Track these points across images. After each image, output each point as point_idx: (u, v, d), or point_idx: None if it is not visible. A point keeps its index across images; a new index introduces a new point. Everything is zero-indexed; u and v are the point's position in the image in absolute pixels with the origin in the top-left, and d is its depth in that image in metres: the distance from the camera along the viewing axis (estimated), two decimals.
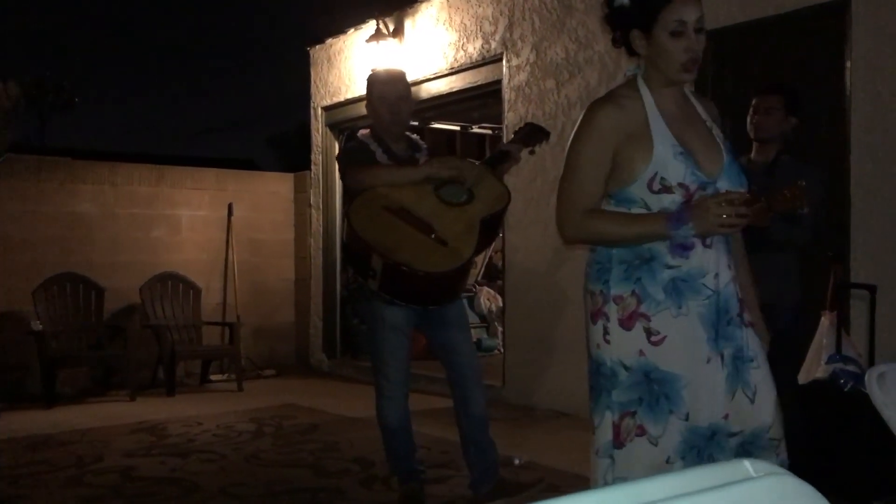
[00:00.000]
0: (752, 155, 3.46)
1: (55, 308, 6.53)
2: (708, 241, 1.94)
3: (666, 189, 1.91)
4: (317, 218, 7.91)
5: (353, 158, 3.23)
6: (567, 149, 2.04)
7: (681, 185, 1.91)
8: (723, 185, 1.93)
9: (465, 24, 6.21)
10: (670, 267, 1.93)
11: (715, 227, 1.87)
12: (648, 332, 1.93)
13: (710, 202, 1.86)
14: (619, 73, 4.96)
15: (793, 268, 3.36)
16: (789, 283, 3.36)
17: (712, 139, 2.02)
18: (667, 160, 1.91)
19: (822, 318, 3.47)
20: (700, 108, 2.08)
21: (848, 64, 3.90)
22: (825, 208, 3.45)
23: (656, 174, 1.91)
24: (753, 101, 3.44)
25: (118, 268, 7.16)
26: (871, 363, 3.32)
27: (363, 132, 3.38)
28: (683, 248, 1.93)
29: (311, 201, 7.98)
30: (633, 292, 1.94)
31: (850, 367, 3.38)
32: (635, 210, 1.96)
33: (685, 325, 1.92)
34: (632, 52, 2.02)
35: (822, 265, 3.61)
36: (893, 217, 3.75)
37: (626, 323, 1.95)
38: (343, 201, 5.32)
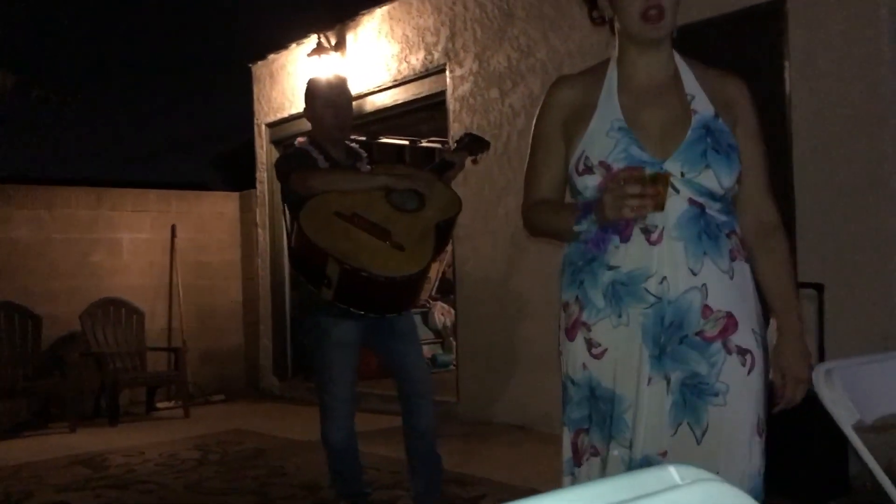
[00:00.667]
0: None
1: None
2: (653, 235, 1.62)
3: (587, 169, 1.67)
4: (263, 237, 7.74)
5: (298, 164, 3.11)
6: None
7: (602, 163, 1.65)
8: (673, 166, 1.63)
9: (407, 36, 6.13)
10: (611, 268, 1.65)
11: (616, 212, 1.56)
12: (589, 344, 1.69)
13: (611, 181, 1.59)
14: None
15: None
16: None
17: (683, 115, 1.71)
18: (596, 136, 1.68)
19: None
20: (691, 81, 1.77)
21: (787, 63, 3.90)
22: None
23: (583, 153, 1.68)
24: None
25: (57, 295, 6.91)
26: (822, 360, 3.29)
27: (300, 140, 3.27)
28: (595, 245, 1.67)
29: (258, 220, 7.81)
30: (576, 298, 1.71)
31: None
32: (578, 200, 1.74)
33: (625, 337, 1.64)
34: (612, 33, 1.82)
35: None
36: (837, 215, 3.74)
37: (570, 333, 1.72)
38: (287, 212, 5.18)
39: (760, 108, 4.12)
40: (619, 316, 1.64)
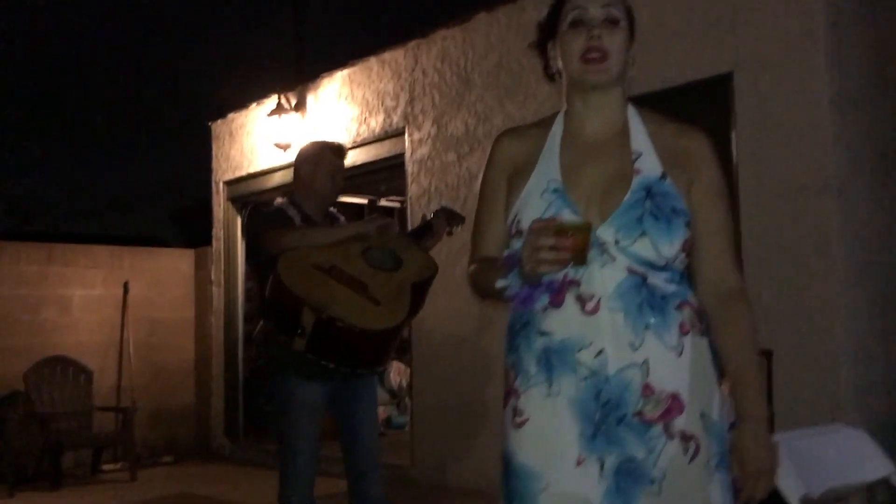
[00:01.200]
0: None
1: None
2: (589, 304, 1.49)
3: (518, 233, 1.55)
4: (218, 294, 7.65)
5: (272, 223, 3.10)
6: None
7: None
8: (606, 232, 1.49)
9: (367, 99, 6.22)
10: (543, 333, 1.53)
11: (533, 266, 1.43)
12: (514, 412, 1.55)
13: (528, 235, 1.46)
14: None
15: None
16: None
17: (624, 175, 1.57)
18: (531, 197, 1.57)
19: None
20: (640, 136, 1.64)
21: (733, 133, 4.04)
22: None
23: (516, 215, 1.57)
24: None
25: (2, 353, 6.71)
26: (771, 429, 3.33)
27: (280, 200, 3.27)
28: (521, 303, 1.55)
29: (213, 277, 7.73)
30: (513, 364, 1.59)
31: None
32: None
33: (553, 410, 1.50)
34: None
35: None
36: (782, 283, 3.84)
37: (505, 401, 1.60)
38: (253, 271, 5.11)
39: None
40: (550, 386, 1.50)
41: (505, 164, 1.67)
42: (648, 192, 1.54)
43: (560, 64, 1.64)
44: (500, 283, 1.55)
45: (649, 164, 1.58)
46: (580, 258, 1.43)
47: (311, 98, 6.71)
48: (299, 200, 3.20)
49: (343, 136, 6.39)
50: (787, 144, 3.87)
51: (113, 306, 7.42)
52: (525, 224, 1.52)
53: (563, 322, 1.51)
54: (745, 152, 4.00)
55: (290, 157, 6.74)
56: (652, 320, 1.49)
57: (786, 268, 3.84)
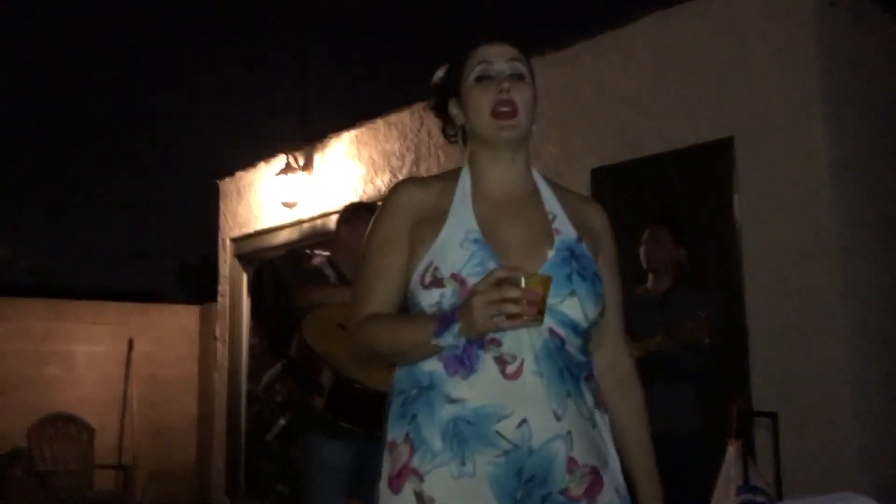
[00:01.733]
0: (648, 285, 3.53)
1: None
2: (511, 367, 1.36)
3: (436, 282, 1.42)
4: (222, 350, 7.65)
5: (309, 280, 3.14)
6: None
7: (455, 276, 1.40)
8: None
9: (373, 159, 6.31)
10: (453, 401, 1.37)
11: (482, 322, 1.31)
12: (420, 498, 1.35)
13: (480, 285, 1.33)
14: None
15: (695, 397, 3.38)
16: (691, 412, 3.36)
17: (544, 233, 1.51)
18: (448, 246, 1.44)
19: (729, 448, 3.46)
20: (551, 199, 1.61)
21: (735, 197, 4.09)
22: (724, 336, 3.51)
23: (431, 263, 1.44)
24: (644, 233, 3.54)
25: (5, 409, 6.71)
26: (779, 493, 3.31)
27: (318, 259, 3.31)
28: (460, 365, 1.38)
29: (217, 333, 7.73)
30: (406, 436, 1.40)
31: (760, 499, 3.35)
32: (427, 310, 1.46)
33: (469, 492, 1.33)
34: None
35: (725, 393, 3.64)
36: (787, 346, 3.84)
37: (396, 482, 1.38)
38: (262, 327, 5.10)
39: (712, 239, 4.29)
40: (463, 464, 1.34)
41: (409, 212, 1.53)
42: (571, 252, 1.49)
43: (463, 121, 1.59)
44: (440, 341, 1.36)
45: (565, 227, 1.54)
46: (541, 316, 1.32)
47: (318, 157, 6.81)
48: (336, 261, 3.26)
49: (349, 196, 6.46)
50: (788, 209, 3.92)
51: (117, 362, 7.43)
52: (445, 273, 1.41)
53: (478, 387, 1.36)
54: (747, 216, 4.04)
55: (297, 215, 6.82)
56: (571, 388, 1.41)
57: (789, 332, 3.85)
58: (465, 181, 1.56)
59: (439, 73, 1.63)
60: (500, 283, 1.31)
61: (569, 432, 1.38)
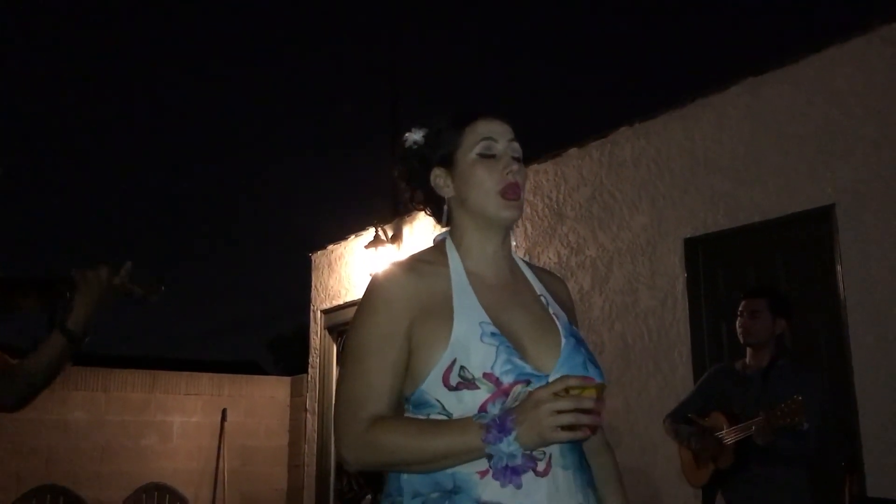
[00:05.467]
0: (747, 360, 3.37)
1: None
2: (541, 465, 1.33)
3: (467, 383, 1.33)
4: (312, 423, 7.69)
5: None
6: (345, 340, 1.50)
7: (487, 375, 1.33)
8: None
9: None
10: None
11: (549, 433, 1.27)
12: None
13: (543, 393, 1.28)
14: (610, 277, 4.99)
15: (802, 483, 3.16)
16: (799, 498, 3.15)
17: (548, 319, 1.49)
18: (469, 342, 1.36)
19: None
20: (534, 280, 1.57)
21: (839, 267, 3.90)
22: (832, 415, 3.30)
23: (454, 362, 1.34)
24: (741, 306, 3.40)
25: (104, 478, 6.87)
26: None
27: None
28: (514, 473, 1.31)
29: (307, 405, 7.79)
30: None
31: None
32: (435, 417, 1.37)
33: None
34: (441, 219, 1.57)
35: (836, 478, 3.41)
36: None
37: None
38: None
39: (816, 313, 4.08)
40: None
41: (406, 304, 1.42)
42: (576, 339, 1.47)
43: (451, 194, 1.52)
44: (492, 449, 1.29)
45: (558, 311, 1.52)
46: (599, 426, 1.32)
47: (406, 230, 6.90)
48: None
49: None
50: (894, 279, 3.71)
51: (210, 433, 7.55)
52: (475, 373, 1.33)
53: (512, 489, 1.31)
54: (852, 288, 3.84)
55: None
56: (588, 476, 1.42)
57: None
58: (456, 263, 1.49)
59: (414, 137, 1.55)
60: (566, 392, 1.27)
61: None
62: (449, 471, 1.33)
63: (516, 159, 1.51)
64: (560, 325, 1.48)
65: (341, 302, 7.61)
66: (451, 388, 1.34)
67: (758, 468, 3.10)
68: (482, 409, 1.34)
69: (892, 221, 3.76)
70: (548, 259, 5.53)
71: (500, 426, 1.28)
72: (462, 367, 1.34)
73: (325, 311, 7.83)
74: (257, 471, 7.77)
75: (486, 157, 1.49)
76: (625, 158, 5.00)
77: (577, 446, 1.40)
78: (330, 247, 7.88)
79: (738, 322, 3.38)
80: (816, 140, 4.08)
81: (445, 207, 1.55)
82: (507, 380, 1.34)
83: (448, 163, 1.52)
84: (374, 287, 1.46)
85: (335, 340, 7.78)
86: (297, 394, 8.07)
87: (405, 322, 1.41)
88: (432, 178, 1.54)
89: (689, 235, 4.56)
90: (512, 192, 1.48)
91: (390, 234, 7.00)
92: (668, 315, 4.60)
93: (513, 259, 1.59)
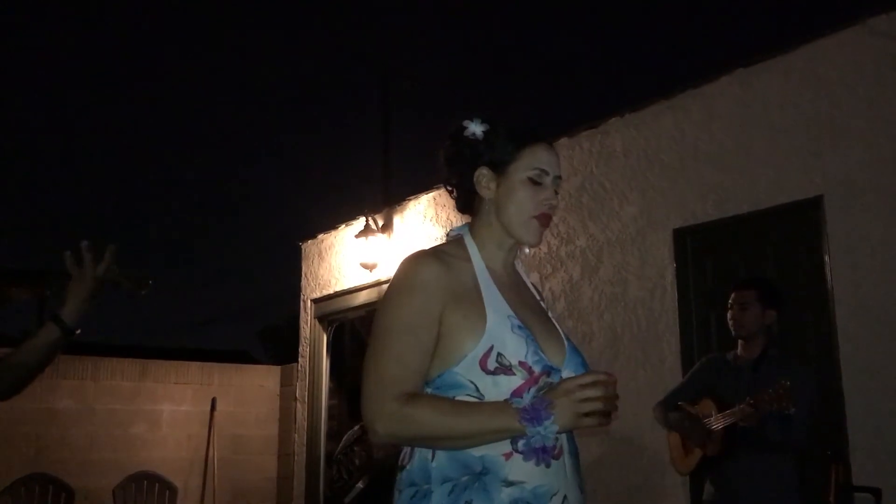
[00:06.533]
0: (738, 351, 3.39)
1: None
2: (556, 448, 1.48)
3: (504, 369, 1.46)
4: (302, 412, 7.70)
5: None
6: (375, 319, 1.56)
7: (522, 364, 1.47)
8: (568, 375, 1.53)
9: (451, 220, 6.34)
10: (511, 484, 1.43)
11: (579, 419, 1.42)
12: None
13: (572, 384, 1.44)
14: (600, 267, 5.00)
15: (789, 471, 3.19)
16: (789, 487, 3.17)
17: (549, 321, 1.65)
18: (503, 332, 1.48)
19: None
20: (531, 285, 1.74)
21: (827, 258, 3.92)
22: (819, 404, 3.33)
23: (492, 348, 1.47)
24: (731, 298, 3.41)
25: (93, 467, 6.86)
26: None
27: None
28: (545, 453, 1.46)
29: (297, 394, 7.80)
30: None
31: None
32: (462, 398, 1.48)
33: None
34: (463, 207, 1.70)
35: (821, 465, 3.44)
36: (886, 418, 3.61)
37: None
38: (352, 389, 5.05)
39: (804, 303, 4.11)
40: None
41: (439, 290, 1.51)
42: (569, 339, 1.64)
43: (491, 196, 1.63)
44: (536, 429, 1.42)
45: (552, 313, 1.70)
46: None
47: (397, 219, 6.89)
48: None
49: None
50: (883, 270, 3.73)
51: (200, 422, 7.54)
52: (512, 361, 1.46)
53: (534, 468, 1.45)
54: (840, 278, 3.86)
55: (376, 276, 6.88)
56: (578, 463, 1.57)
57: (890, 401, 3.63)
58: (477, 259, 1.61)
59: (475, 129, 1.64)
60: (595, 384, 1.43)
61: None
62: (477, 454, 1.44)
63: (556, 192, 1.65)
64: (558, 327, 1.65)
65: (331, 291, 7.60)
66: (488, 373, 1.47)
67: (745, 455, 3.12)
68: (517, 394, 1.47)
69: (881, 212, 3.79)
70: (538, 249, 5.54)
71: (538, 410, 1.42)
72: (500, 354, 1.47)
73: (315, 301, 7.82)
74: (247, 459, 7.78)
75: (535, 183, 1.62)
76: (615, 149, 5.00)
77: (573, 437, 1.55)
78: (320, 236, 7.87)
79: (728, 314, 3.40)
80: (806, 131, 4.10)
81: (477, 204, 1.66)
82: (537, 369, 1.48)
83: (498, 170, 1.63)
84: (410, 269, 1.54)
85: (325, 330, 7.78)
86: (287, 383, 8.07)
87: (439, 306, 1.50)
88: (477, 174, 1.64)
89: (678, 226, 4.58)
90: (544, 221, 1.62)
91: (381, 223, 6.99)
92: (658, 305, 4.62)
93: (516, 265, 1.73)
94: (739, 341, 3.38)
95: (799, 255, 4.10)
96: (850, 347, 3.77)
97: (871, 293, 3.76)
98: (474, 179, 1.64)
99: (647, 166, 4.80)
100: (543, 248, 5.50)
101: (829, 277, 3.89)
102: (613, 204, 4.95)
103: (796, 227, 4.12)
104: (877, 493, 3.39)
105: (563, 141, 5.41)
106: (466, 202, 1.68)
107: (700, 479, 3.46)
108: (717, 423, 3.15)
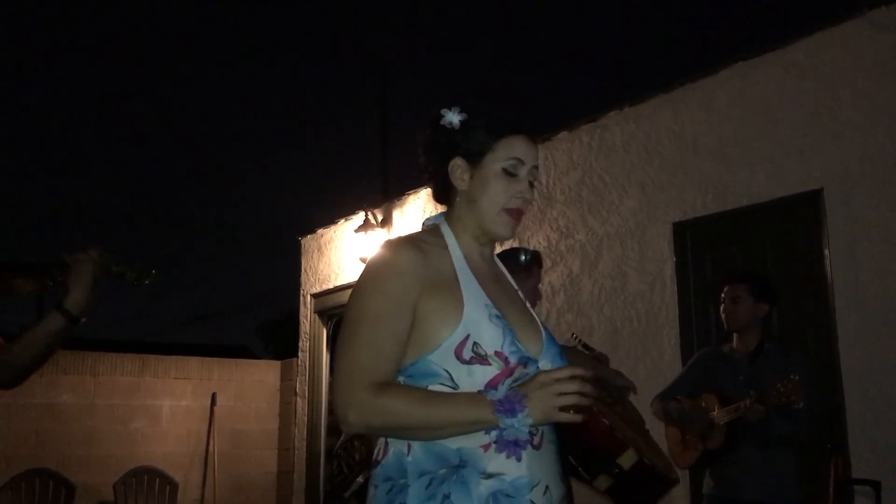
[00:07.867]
0: (734, 344, 3.39)
1: None
2: (536, 439, 1.45)
3: (480, 358, 1.42)
4: (302, 406, 7.71)
5: None
6: (348, 306, 1.50)
7: (499, 354, 1.43)
8: (545, 366, 1.50)
9: None
10: (489, 476, 1.40)
11: (555, 411, 1.38)
12: None
13: (548, 376, 1.41)
14: (600, 261, 5.00)
15: (792, 464, 3.19)
16: (789, 480, 3.18)
17: (527, 311, 1.62)
18: (480, 321, 1.44)
19: None
20: (509, 275, 1.70)
21: (826, 252, 3.92)
22: (817, 397, 3.33)
23: (467, 337, 1.42)
24: (723, 292, 3.41)
25: (93, 462, 6.87)
26: None
27: None
28: (516, 446, 1.42)
29: (297, 389, 7.80)
30: None
31: None
32: (435, 388, 1.44)
33: None
34: (439, 197, 1.66)
35: (821, 458, 3.44)
36: (885, 411, 3.62)
37: None
38: None
39: (803, 296, 4.10)
40: None
41: (416, 277, 1.47)
42: (547, 329, 1.61)
43: (465, 188, 1.58)
44: (506, 423, 1.38)
45: (529, 305, 1.67)
46: None
47: (396, 214, 6.89)
48: None
49: None
50: (882, 263, 3.73)
51: (200, 417, 7.54)
52: (488, 350, 1.42)
53: (514, 460, 1.42)
54: (839, 271, 3.86)
55: None
56: (559, 453, 1.54)
57: (889, 394, 3.63)
58: (454, 247, 1.57)
59: (451, 118, 1.59)
60: (571, 378, 1.40)
61: (568, 490, 1.55)
62: (454, 446, 1.41)
63: (532, 184, 1.60)
64: (536, 318, 1.62)
65: (331, 286, 7.60)
66: (463, 362, 1.43)
67: (748, 449, 3.12)
68: (491, 385, 1.43)
69: (879, 205, 3.78)
70: (537, 243, 5.54)
71: (512, 403, 1.38)
72: (475, 344, 1.43)
73: (315, 295, 7.83)
74: (247, 454, 7.79)
75: (510, 174, 1.56)
76: (614, 142, 5.00)
77: (554, 424, 1.49)
78: (320, 231, 7.87)
79: (721, 308, 3.40)
80: (805, 124, 4.09)
81: (452, 194, 1.62)
82: (513, 360, 1.45)
83: (474, 160, 1.58)
84: (384, 257, 1.50)
85: (325, 324, 7.78)
86: (287, 378, 8.07)
87: (414, 293, 1.46)
88: (451, 165, 1.59)
89: (677, 219, 4.58)
90: (514, 214, 1.57)
91: (380, 217, 6.99)
92: (657, 299, 4.62)
93: (494, 256, 1.70)
94: (734, 335, 3.38)
95: (798, 248, 4.10)
96: (849, 339, 3.77)
97: (870, 285, 3.76)
98: (448, 170, 1.59)
99: (647, 160, 4.79)
100: (543, 242, 5.50)
101: (828, 270, 3.89)
102: (613, 198, 4.95)
103: (796, 221, 4.12)
104: (876, 485, 3.39)
105: (563, 135, 5.41)
106: (442, 192, 1.63)
107: (700, 474, 3.46)
108: (721, 417, 3.14)
